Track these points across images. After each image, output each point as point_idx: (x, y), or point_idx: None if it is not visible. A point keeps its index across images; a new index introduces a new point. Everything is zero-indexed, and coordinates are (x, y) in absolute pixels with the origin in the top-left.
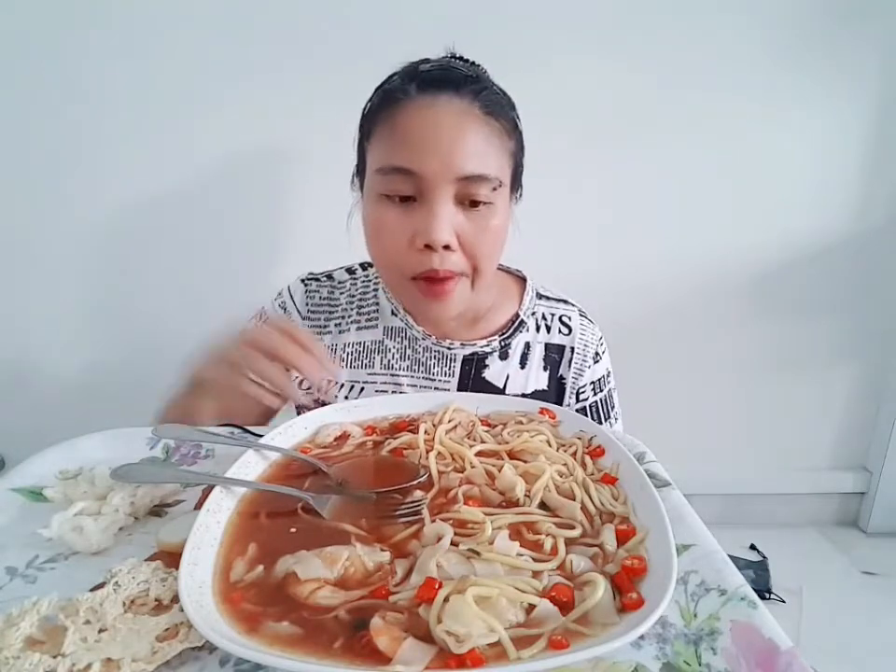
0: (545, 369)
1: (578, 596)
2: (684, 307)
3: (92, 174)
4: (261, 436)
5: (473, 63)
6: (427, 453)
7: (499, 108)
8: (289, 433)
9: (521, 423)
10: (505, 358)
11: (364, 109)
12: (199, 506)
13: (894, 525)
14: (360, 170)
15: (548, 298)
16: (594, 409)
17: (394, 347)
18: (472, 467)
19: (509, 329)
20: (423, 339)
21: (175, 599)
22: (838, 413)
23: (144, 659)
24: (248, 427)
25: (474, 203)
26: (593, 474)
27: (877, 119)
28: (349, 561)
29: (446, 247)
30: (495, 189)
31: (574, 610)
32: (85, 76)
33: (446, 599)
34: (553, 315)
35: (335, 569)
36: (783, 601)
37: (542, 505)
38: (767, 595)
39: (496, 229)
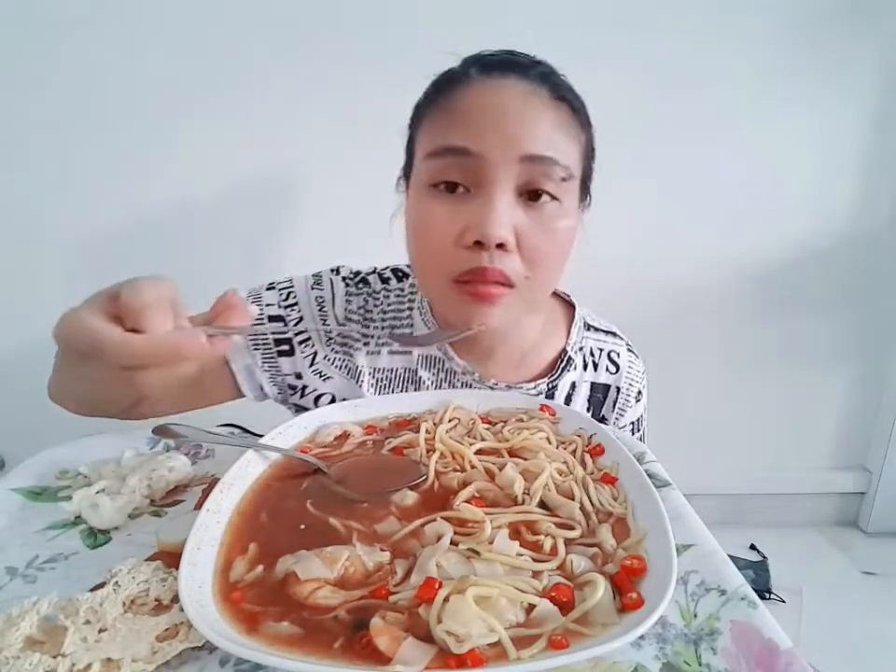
0: (588, 410)
1: (578, 596)
2: (684, 307)
3: (97, 176)
4: (261, 436)
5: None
6: (428, 452)
7: (571, 95)
8: (289, 433)
9: (521, 420)
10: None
11: (417, 103)
12: (199, 506)
13: (894, 525)
14: (407, 171)
15: (596, 329)
16: None
17: (428, 379)
18: (472, 467)
19: (557, 368)
20: (463, 373)
21: (175, 599)
22: (838, 412)
23: (144, 659)
24: (248, 428)
25: (538, 195)
26: (592, 473)
27: (877, 119)
28: (349, 561)
29: (500, 246)
30: (564, 179)
31: (574, 610)
32: (85, 82)
33: (446, 599)
34: (601, 350)
35: (335, 569)
36: (783, 601)
37: (542, 504)
38: (767, 595)
39: (563, 232)
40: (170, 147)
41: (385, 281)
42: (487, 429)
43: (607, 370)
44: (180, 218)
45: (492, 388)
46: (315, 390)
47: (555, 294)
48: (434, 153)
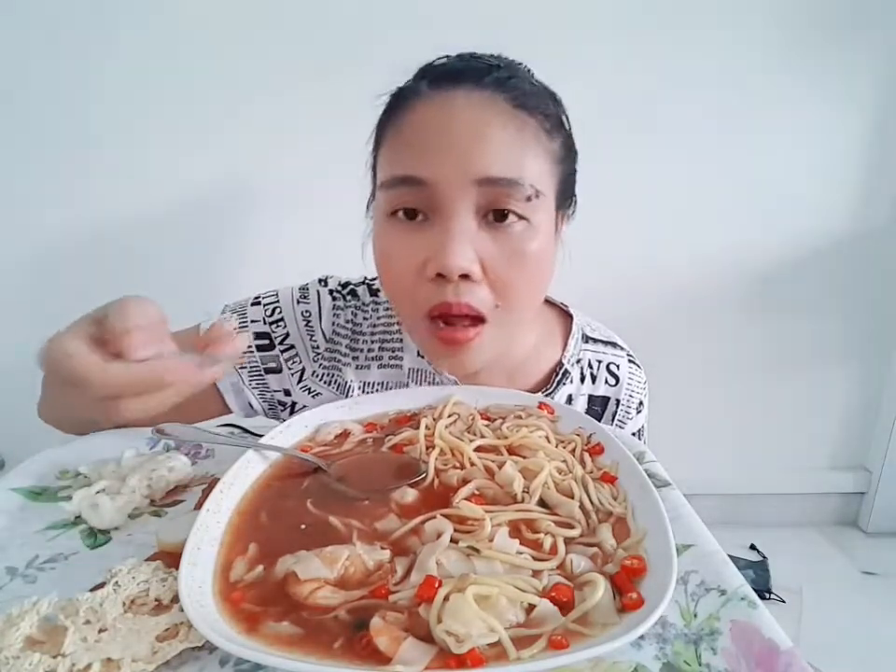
0: None
1: (578, 596)
2: (683, 307)
3: (97, 178)
4: (261, 436)
5: (501, 56)
6: (428, 449)
7: (535, 100)
8: (289, 432)
9: (520, 417)
10: None
11: (377, 122)
12: (199, 506)
13: (894, 525)
14: (374, 194)
15: (595, 340)
16: None
17: None
18: (472, 464)
19: (552, 381)
20: (454, 383)
21: (175, 599)
22: (838, 412)
23: (144, 659)
24: (248, 428)
25: (503, 216)
26: (592, 472)
27: (878, 119)
28: (349, 560)
29: (465, 276)
30: (530, 198)
31: (574, 610)
32: (87, 84)
33: (446, 598)
34: (599, 362)
35: (335, 569)
36: (783, 601)
37: (541, 502)
38: (767, 595)
39: (535, 255)
40: (159, 151)
41: (374, 293)
42: (486, 426)
43: (606, 382)
44: (185, 222)
45: None
46: (304, 406)
47: (551, 304)
48: (387, 183)
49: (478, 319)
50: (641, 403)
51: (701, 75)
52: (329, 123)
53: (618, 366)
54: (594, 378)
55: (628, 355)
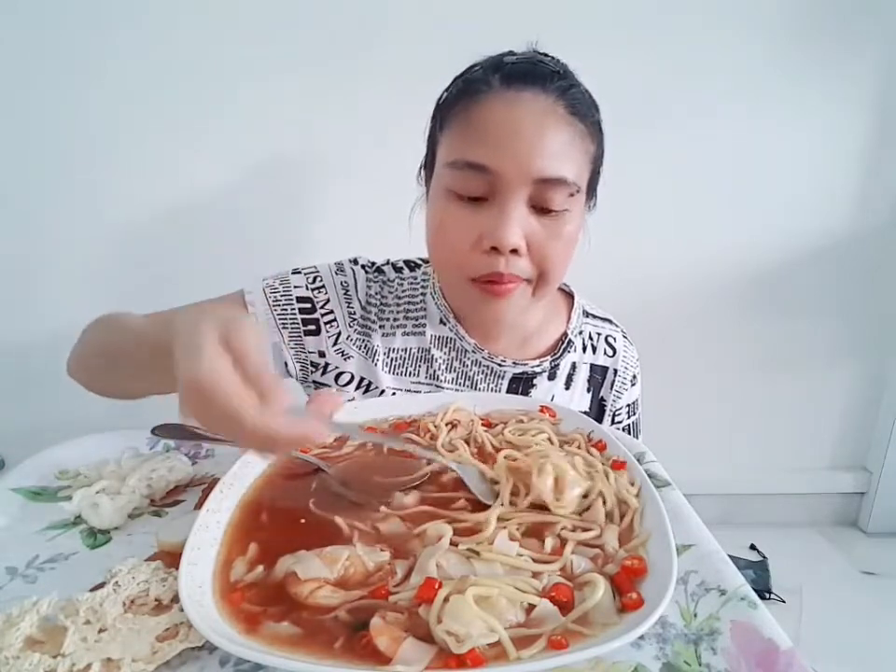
0: (588, 390)
1: (578, 597)
2: (683, 306)
3: (106, 175)
4: None
5: (558, 59)
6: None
7: (585, 109)
8: None
9: (521, 421)
10: (553, 379)
11: (440, 99)
12: (199, 506)
13: (894, 525)
14: (428, 163)
15: (594, 316)
16: (625, 432)
17: (440, 357)
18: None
19: (559, 349)
20: (473, 351)
21: (175, 599)
22: (838, 413)
23: (144, 659)
24: None
25: (549, 209)
26: (603, 464)
27: (878, 118)
28: (349, 561)
29: (514, 251)
30: (571, 194)
31: (574, 611)
32: (98, 76)
33: (446, 599)
34: (599, 334)
35: (335, 569)
36: (783, 601)
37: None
38: (767, 595)
39: (568, 236)
40: (183, 140)
41: (398, 270)
42: (486, 431)
43: (605, 353)
44: (193, 222)
45: (500, 364)
46: (336, 368)
47: None
48: (454, 164)
49: (516, 283)
50: (635, 377)
51: (700, 75)
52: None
53: (615, 339)
54: (594, 349)
55: (622, 331)
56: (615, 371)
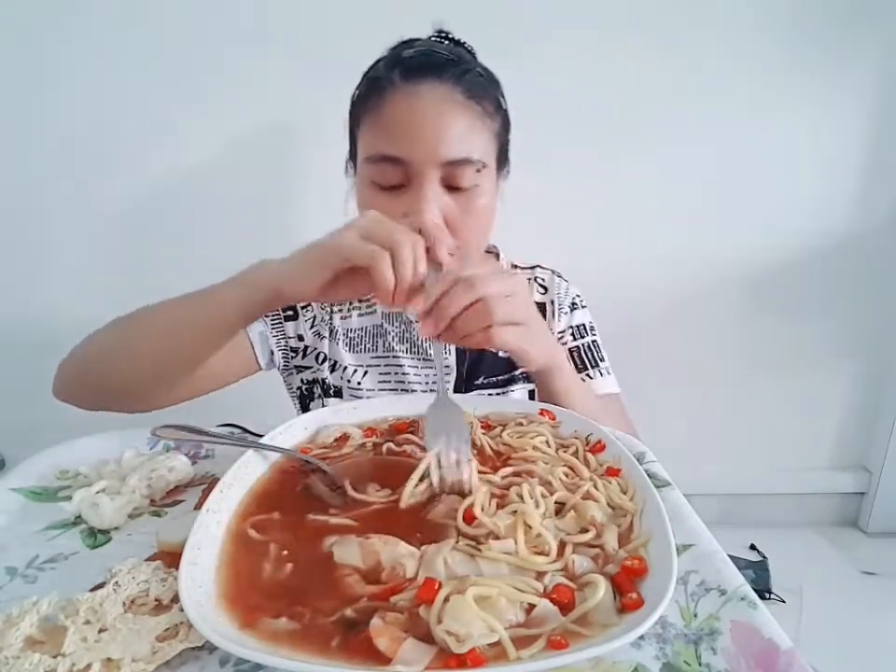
0: None
1: (578, 597)
2: (684, 306)
3: (101, 164)
4: (261, 436)
5: (457, 42)
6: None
7: (482, 90)
8: (290, 433)
9: (521, 424)
10: None
11: (353, 96)
12: (199, 506)
13: (894, 525)
14: (353, 155)
15: (522, 267)
16: (576, 354)
17: (392, 331)
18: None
19: None
20: (418, 321)
21: (175, 599)
22: (838, 412)
23: (144, 659)
24: (248, 428)
25: (460, 187)
26: (596, 470)
27: (878, 119)
28: (382, 556)
29: None
30: (479, 170)
31: (574, 611)
32: (99, 77)
33: (446, 599)
34: (529, 280)
35: (368, 561)
36: (783, 601)
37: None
38: (767, 595)
39: (482, 208)
40: (179, 128)
41: None
42: (485, 434)
43: (538, 292)
44: (188, 216)
45: None
46: (315, 349)
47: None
48: (371, 158)
49: None
50: (574, 304)
51: (700, 75)
52: None
53: (544, 279)
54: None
55: (552, 271)
56: (552, 301)
